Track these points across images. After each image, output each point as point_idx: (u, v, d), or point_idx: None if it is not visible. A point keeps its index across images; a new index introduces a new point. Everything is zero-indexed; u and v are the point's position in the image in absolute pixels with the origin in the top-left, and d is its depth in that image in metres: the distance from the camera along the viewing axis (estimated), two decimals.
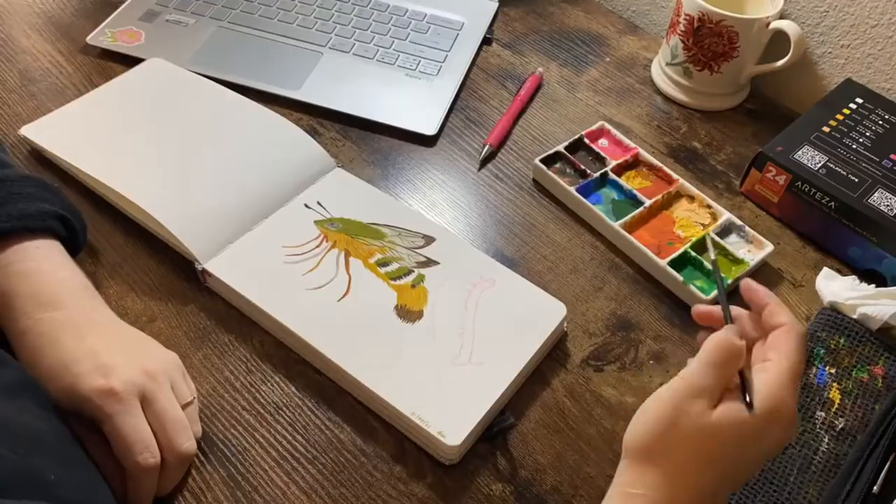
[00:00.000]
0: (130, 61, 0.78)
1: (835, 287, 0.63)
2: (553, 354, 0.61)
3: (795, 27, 0.76)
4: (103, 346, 0.48)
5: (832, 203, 0.67)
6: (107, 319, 0.52)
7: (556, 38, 0.91)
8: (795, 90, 0.87)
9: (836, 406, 0.57)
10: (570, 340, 0.62)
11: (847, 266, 0.69)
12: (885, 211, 0.65)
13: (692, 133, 0.80)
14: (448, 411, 0.53)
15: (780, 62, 0.79)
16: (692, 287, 0.63)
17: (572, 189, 0.70)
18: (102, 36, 0.81)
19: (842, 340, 0.60)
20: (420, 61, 0.83)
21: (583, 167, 0.73)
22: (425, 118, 0.77)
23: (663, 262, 0.65)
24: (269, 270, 0.61)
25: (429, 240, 0.65)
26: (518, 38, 0.90)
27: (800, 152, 0.70)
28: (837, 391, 0.58)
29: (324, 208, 0.66)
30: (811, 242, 0.71)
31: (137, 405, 0.47)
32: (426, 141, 0.76)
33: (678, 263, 0.66)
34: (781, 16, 0.79)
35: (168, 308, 0.60)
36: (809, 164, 0.69)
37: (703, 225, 0.70)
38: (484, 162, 0.75)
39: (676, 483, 0.41)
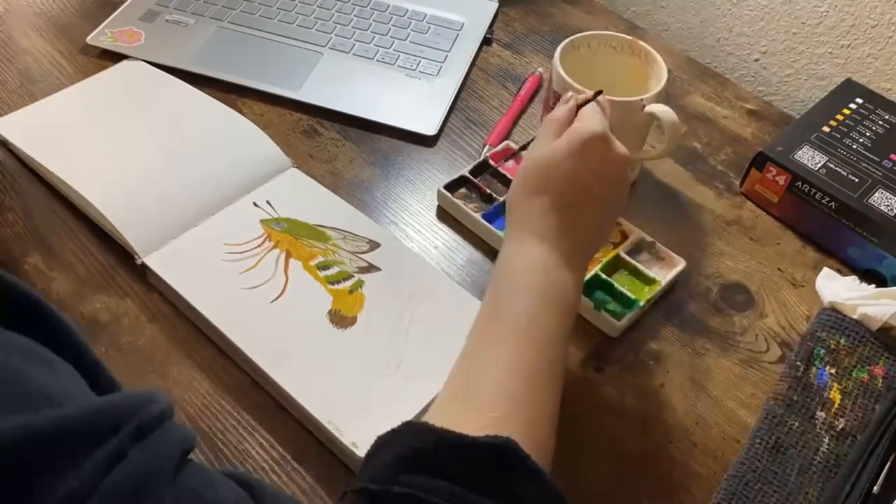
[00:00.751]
0: None
1: (835, 287, 0.63)
2: None
3: (669, 113, 0.63)
4: None
5: (832, 203, 0.67)
6: None
7: (556, 38, 0.90)
8: (795, 90, 0.87)
9: (836, 406, 0.57)
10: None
11: (847, 266, 0.69)
12: (885, 211, 0.65)
13: (692, 133, 0.80)
14: (366, 422, 0.49)
15: (656, 151, 0.68)
16: (604, 313, 0.60)
17: (477, 215, 0.67)
18: (102, 36, 0.81)
19: (842, 340, 0.60)
20: (420, 61, 0.83)
21: (488, 191, 0.69)
22: (425, 118, 0.77)
23: None
24: (206, 267, 0.60)
25: (374, 245, 0.64)
26: (518, 39, 0.90)
27: (800, 152, 0.70)
28: (837, 391, 0.58)
29: (272, 207, 0.66)
30: (811, 242, 0.71)
31: None
32: (426, 141, 0.76)
33: (589, 287, 0.62)
34: (667, 94, 0.70)
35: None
36: (809, 164, 0.69)
37: (613, 244, 0.66)
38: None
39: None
